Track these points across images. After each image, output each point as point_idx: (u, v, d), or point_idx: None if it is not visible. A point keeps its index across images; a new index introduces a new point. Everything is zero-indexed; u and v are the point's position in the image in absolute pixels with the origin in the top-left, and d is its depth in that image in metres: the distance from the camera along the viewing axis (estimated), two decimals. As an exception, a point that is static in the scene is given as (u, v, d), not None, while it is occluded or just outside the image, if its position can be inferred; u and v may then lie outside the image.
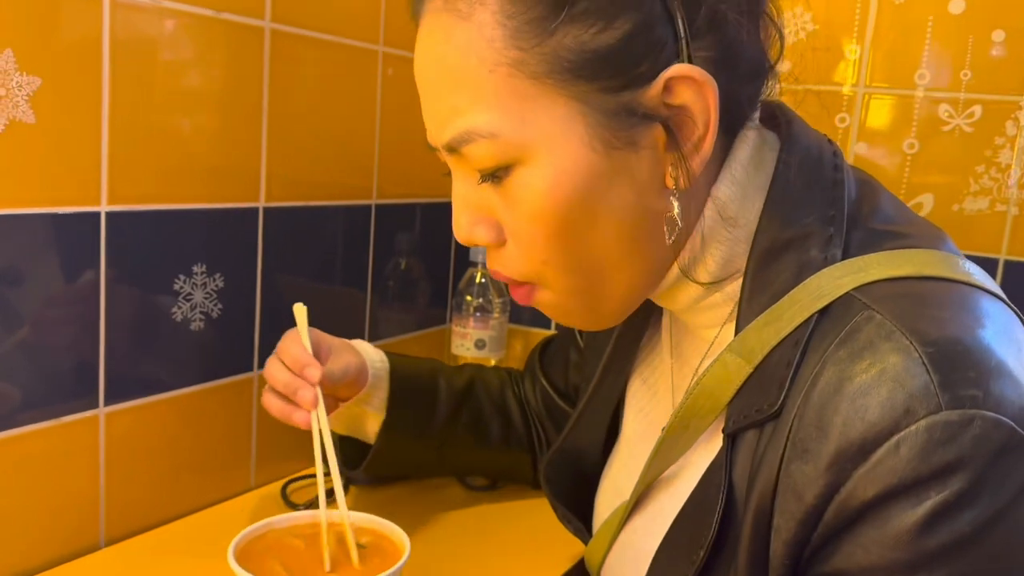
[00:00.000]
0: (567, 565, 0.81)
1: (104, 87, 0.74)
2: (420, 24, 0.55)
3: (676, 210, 0.53)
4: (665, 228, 0.54)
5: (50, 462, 0.75)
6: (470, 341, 1.13)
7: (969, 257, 0.56)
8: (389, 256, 1.11)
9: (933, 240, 0.55)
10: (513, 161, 0.52)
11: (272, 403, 0.74)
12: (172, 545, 0.81)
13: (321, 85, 0.96)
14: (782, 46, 0.58)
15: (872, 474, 0.45)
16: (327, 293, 1.03)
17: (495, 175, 0.53)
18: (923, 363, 0.46)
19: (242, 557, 0.63)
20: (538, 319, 1.25)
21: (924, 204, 1.05)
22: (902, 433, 0.45)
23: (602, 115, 0.51)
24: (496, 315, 1.14)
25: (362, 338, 1.07)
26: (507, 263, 0.57)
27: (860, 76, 1.06)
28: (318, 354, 0.75)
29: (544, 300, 0.58)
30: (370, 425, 0.84)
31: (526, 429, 0.93)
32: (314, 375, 0.72)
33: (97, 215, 0.75)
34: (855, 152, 1.08)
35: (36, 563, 0.75)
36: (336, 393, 0.80)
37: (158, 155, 0.79)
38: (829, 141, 0.59)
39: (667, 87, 0.51)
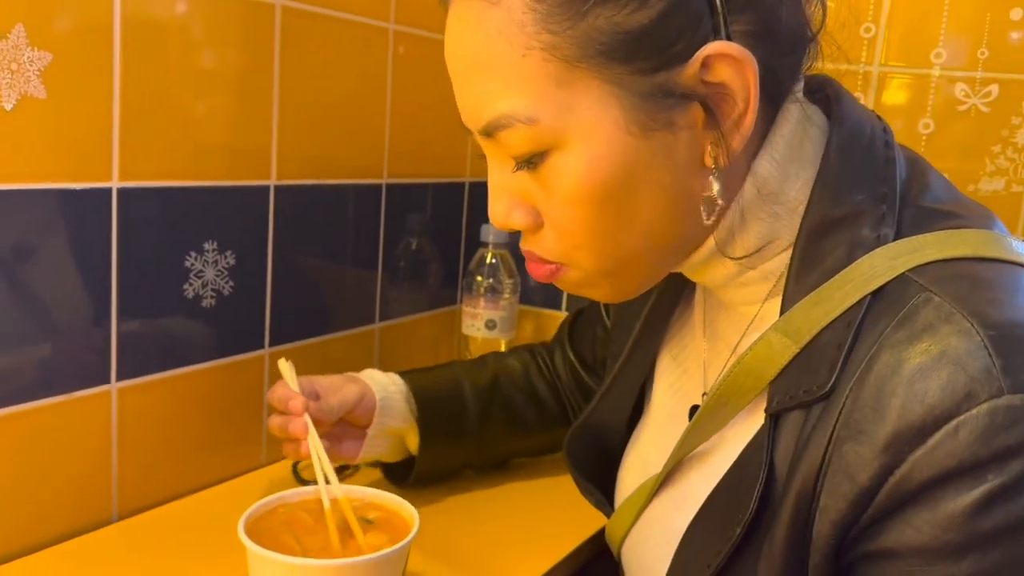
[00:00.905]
0: (578, 541, 0.82)
1: (115, 62, 0.74)
2: (449, 11, 0.54)
3: (716, 189, 0.52)
4: (703, 208, 0.53)
5: (62, 437, 0.75)
6: (480, 321, 1.13)
7: None
8: (400, 236, 1.11)
9: (985, 220, 0.54)
10: (549, 147, 0.52)
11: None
12: (183, 520, 0.82)
13: (332, 63, 0.95)
14: (824, 15, 0.56)
15: (929, 457, 0.45)
16: (338, 272, 1.03)
17: (530, 161, 0.52)
18: (985, 346, 0.45)
19: (252, 531, 0.64)
20: (549, 300, 1.25)
21: (939, 185, 1.04)
22: (962, 417, 0.44)
23: (638, 98, 0.50)
24: (506, 295, 1.14)
25: (372, 318, 1.08)
26: (542, 245, 0.56)
27: (876, 55, 1.05)
28: (312, 395, 0.79)
29: (569, 279, 0.58)
30: (410, 440, 0.86)
31: (559, 406, 0.94)
32: (296, 406, 0.76)
33: (108, 191, 0.75)
34: (870, 132, 1.06)
35: (48, 536, 0.75)
36: (353, 422, 0.83)
37: (169, 131, 0.79)
38: (878, 117, 0.58)
39: (705, 65, 0.50)
